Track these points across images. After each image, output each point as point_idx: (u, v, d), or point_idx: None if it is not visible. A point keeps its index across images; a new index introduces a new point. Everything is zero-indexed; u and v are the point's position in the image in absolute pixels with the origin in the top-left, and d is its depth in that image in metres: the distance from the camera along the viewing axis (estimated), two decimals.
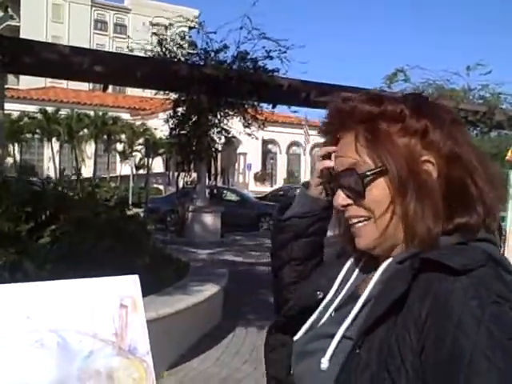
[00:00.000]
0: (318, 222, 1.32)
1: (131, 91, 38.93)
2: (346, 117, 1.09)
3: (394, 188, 1.02)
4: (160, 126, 20.26)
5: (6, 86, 15.08)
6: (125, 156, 31.87)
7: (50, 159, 32.64)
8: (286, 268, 1.36)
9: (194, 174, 15.44)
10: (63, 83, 37.58)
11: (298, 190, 1.36)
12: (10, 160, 27.49)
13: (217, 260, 9.80)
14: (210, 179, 16.03)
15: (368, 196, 1.04)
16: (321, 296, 1.15)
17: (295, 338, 1.14)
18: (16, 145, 30.76)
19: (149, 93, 18.17)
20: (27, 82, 36.70)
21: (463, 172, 1.02)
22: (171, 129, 14.91)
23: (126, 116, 35.83)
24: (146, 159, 31.55)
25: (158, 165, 34.01)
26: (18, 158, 31.44)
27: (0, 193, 6.24)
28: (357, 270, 1.16)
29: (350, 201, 1.06)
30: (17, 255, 5.05)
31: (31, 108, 31.11)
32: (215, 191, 19.82)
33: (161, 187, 29.21)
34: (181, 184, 16.01)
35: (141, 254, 6.19)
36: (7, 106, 12.75)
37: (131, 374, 1.14)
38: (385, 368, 0.90)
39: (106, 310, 1.16)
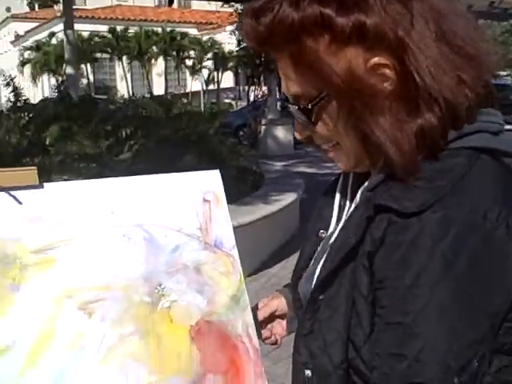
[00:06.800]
0: None
1: (196, 5, 38.35)
2: (272, 36, 0.86)
3: (345, 113, 0.87)
4: (227, 39, 19.96)
5: (74, 7, 15.01)
6: (194, 71, 31.80)
7: (122, 78, 33.01)
8: None
9: (265, 88, 15.25)
10: (129, 0, 37.46)
11: None
12: (84, 80, 28.01)
13: (291, 171, 9.80)
14: (280, 92, 15.78)
15: (319, 126, 0.92)
16: (324, 235, 1.07)
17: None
18: (88, 65, 31.21)
19: (214, 6, 17.79)
20: (93, 2, 36.73)
21: (413, 62, 0.82)
22: (239, 41, 14.65)
23: (193, 31, 35.44)
24: (215, 74, 31.38)
25: (227, 79, 33.84)
26: (91, 78, 31.98)
27: (88, 111, 6.42)
28: (349, 194, 1.07)
29: (307, 132, 0.96)
30: (98, 169, 5.19)
31: (99, 27, 31.20)
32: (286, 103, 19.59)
33: (231, 102, 29.14)
34: (252, 98, 15.87)
35: (222, 167, 6.24)
36: (76, 26, 12.70)
37: (218, 267, 1.13)
38: (348, 305, 0.86)
39: (190, 205, 1.14)
